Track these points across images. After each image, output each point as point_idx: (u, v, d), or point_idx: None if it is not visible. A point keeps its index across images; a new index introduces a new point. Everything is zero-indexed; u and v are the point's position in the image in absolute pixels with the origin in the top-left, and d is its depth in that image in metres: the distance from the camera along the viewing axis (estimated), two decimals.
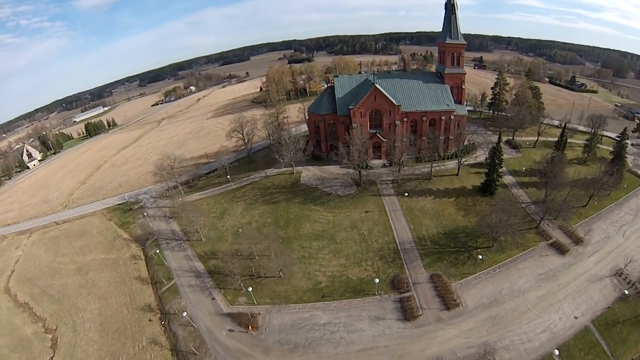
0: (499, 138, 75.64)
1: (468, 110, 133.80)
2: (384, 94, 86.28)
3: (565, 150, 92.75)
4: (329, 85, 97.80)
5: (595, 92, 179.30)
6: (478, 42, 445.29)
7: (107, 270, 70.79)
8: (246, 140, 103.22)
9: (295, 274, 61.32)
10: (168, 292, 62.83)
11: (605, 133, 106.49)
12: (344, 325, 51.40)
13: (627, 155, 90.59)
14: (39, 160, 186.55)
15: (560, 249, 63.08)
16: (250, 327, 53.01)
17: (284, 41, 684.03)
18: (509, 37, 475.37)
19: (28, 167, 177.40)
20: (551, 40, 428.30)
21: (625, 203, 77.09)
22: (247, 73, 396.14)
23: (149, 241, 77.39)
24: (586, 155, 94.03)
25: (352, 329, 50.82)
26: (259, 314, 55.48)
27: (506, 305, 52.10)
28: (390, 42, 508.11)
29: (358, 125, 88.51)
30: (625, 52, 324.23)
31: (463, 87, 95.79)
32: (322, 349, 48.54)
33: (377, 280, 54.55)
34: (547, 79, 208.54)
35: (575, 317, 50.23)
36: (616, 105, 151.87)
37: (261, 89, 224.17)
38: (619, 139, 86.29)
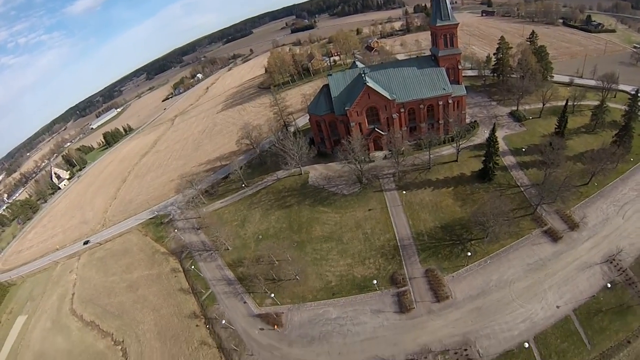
0: (493, 128, 76.24)
1: (471, 76, 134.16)
2: (377, 92, 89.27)
3: (573, 116, 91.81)
4: (324, 84, 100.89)
5: (613, 31, 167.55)
6: None
7: (153, 285, 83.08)
8: (254, 146, 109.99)
9: (310, 276, 70.61)
10: (207, 300, 74.07)
11: (620, 87, 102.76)
12: (351, 319, 60.62)
13: None
14: (68, 179, 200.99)
15: (553, 236, 64.43)
16: (275, 325, 63.64)
17: (284, 8, 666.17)
18: None
19: (59, 188, 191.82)
20: None
21: (631, 177, 74.85)
22: (251, 50, 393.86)
23: (184, 254, 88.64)
24: (594, 123, 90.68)
25: (357, 321, 59.95)
26: (282, 313, 65.76)
27: (492, 296, 57.73)
28: None
29: (356, 123, 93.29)
30: None
31: (459, 67, 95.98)
32: (333, 340, 58.49)
33: (375, 282, 62.86)
34: (560, 21, 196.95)
35: (558, 307, 53.59)
36: (635, 47, 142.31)
37: (266, 70, 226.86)
38: (630, 99, 79.87)
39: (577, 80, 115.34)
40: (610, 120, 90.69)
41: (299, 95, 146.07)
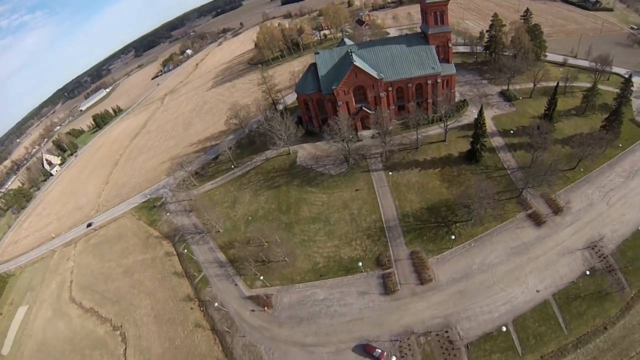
0: (481, 110, 74.56)
1: (464, 52, 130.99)
2: (364, 71, 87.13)
3: (564, 97, 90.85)
4: (312, 63, 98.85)
5: (611, 9, 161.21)
6: None
7: (148, 270, 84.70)
8: (243, 126, 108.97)
9: (298, 257, 72.08)
10: (201, 283, 75.91)
11: (614, 69, 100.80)
12: (337, 300, 62.59)
13: (632, 99, 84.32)
14: (59, 165, 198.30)
15: (537, 220, 64.69)
16: (265, 307, 65.82)
17: None
18: None
19: (52, 175, 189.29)
20: None
21: (618, 162, 74.30)
22: (241, 24, 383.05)
23: (177, 237, 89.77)
24: (585, 105, 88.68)
25: (344, 303, 61.92)
26: (272, 294, 67.69)
27: (475, 280, 58.96)
28: None
29: (343, 102, 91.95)
30: None
31: (449, 45, 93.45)
32: (320, 321, 60.72)
33: (360, 264, 63.96)
34: None
35: (537, 291, 54.70)
36: (632, 28, 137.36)
37: (256, 45, 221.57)
38: (623, 84, 77.80)
39: (571, 61, 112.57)
40: (602, 103, 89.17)
41: (287, 73, 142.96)
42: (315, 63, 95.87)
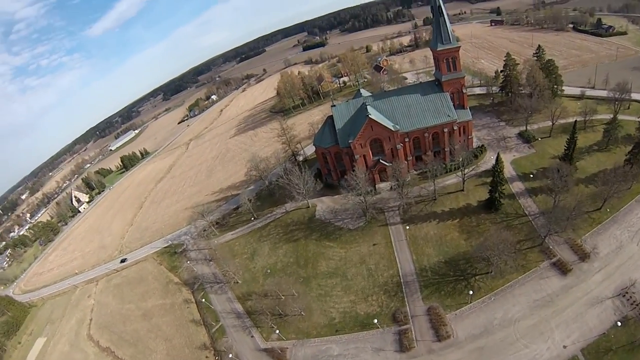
0: (497, 158, 74.07)
1: (480, 94, 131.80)
2: (380, 123, 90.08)
3: (584, 132, 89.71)
4: (329, 115, 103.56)
5: (624, 33, 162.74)
6: None
7: (167, 315, 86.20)
8: (263, 178, 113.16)
9: (314, 312, 71.91)
10: (217, 332, 76.39)
11: (634, 96, 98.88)
12: (352, 357, 61.28)
13: None
14: (87, 202, 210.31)
15: (562, 269, 61.98)
16: None
17: (296, 24, 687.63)
18: None
19: (79, 211, 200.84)
20: None
21: None
22: (264, 70, 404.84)
23: (196, 285, 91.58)
24: (607, 139, 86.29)
25: (358, 359, 60.56)
26: (287, 348, 67.21)
27: (495, 336, 56.45)
28: (402, 7, 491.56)
29: (360, 155, 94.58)
30: None
31: (464, 90, 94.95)
32: None
33: (375, 321, 63.03)
34: (570, 26, 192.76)
35: (565, 346, 51.16)
36: None
37: (278, 92, 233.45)
38: None
39: (589, 92, 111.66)
40: (624, 135, 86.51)
41: (307, 123, 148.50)
42: (332, 116, 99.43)
